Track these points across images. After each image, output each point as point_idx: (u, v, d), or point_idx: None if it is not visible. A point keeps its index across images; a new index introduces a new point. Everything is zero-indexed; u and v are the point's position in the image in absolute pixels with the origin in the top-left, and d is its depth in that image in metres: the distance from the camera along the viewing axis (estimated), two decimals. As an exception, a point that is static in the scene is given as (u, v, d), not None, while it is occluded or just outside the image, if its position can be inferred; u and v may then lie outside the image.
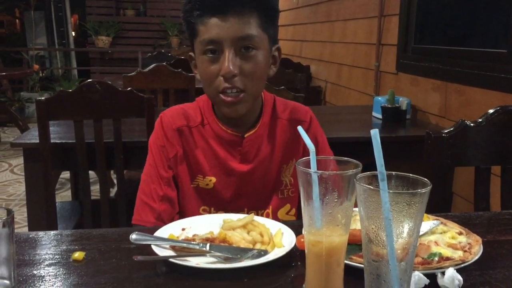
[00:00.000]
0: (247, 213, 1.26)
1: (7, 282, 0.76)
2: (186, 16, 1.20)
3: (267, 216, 1.28)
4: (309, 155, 0.74)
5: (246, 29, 1.15)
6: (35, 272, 0.87)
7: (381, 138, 0.64)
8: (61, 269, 0.88)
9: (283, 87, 2.15)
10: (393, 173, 0.68)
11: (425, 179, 0.66)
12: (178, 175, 1.27)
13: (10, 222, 0.75)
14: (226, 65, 1.14)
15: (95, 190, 2.70)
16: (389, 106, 2.60)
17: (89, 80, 1.91)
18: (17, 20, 9.99)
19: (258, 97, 1.27)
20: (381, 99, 2.69)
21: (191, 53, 1.28)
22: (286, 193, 1.31)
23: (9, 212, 0.76)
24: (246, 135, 1.26)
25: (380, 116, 2.66)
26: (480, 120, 1.49)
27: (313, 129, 1.33)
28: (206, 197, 1.27)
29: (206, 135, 1.27)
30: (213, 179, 1.26)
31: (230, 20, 1.14)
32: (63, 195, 3.91)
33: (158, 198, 1.23)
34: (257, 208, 1.29)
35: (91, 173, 2.01)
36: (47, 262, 0.90)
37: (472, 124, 1.47)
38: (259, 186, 1.29)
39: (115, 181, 2.96)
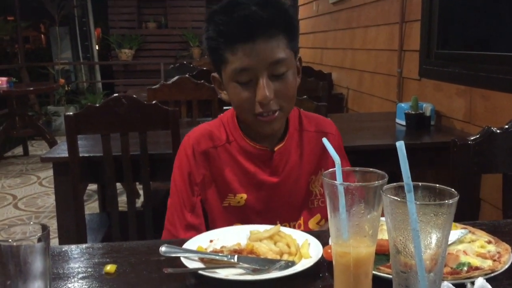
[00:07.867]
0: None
1: (43, 295, 0.79)
2: (210, 42, 1.16)
3: (299, 227, 1.28)
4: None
5: (276, 54, 1.13)
6: (69, 285, 0.89)
7: (405, 145, 0.64)
8: (94, 281, 0.90)
9: (305, 96, 2.15)
10: (420, 183, 0.68)
11: (452, 189, 0.66)
12: (207, 198, 1.26)
13: (46, 237, 0.77)
14: (262, 92, 1.12)
15: (121, 201, 2.74)
16: (412, 112, 2.58)
17: (114, 94, 1.95)
18: (42, 36, 10.25)
19: (291, 112, 1.26)
20: (405, 106, 2.68)
21: (215, 74, 1.25)
22: (316, 203, 1.31)
23: (45, 228, 0.79)
24: (276, 149, 1.26)
25: (403, 122, 2.64)
26: (506, 126, 1.47)
27: (338, 141, 1.36)
28: (238, 214, 1.25)
29: (233, 152, 1.25)
30: (244, 196, 1.25)
31: (260, 46, 1.11)
32: (90, 207, 3.98)
33: (182, 227, 1.22)
34: (289, 220, 1.29)
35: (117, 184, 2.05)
36: (80, 275, 0.93)
37: (498, 131, 1.46)
38: (289, 197, 1.28)
39: (140, 191, 3.00)
